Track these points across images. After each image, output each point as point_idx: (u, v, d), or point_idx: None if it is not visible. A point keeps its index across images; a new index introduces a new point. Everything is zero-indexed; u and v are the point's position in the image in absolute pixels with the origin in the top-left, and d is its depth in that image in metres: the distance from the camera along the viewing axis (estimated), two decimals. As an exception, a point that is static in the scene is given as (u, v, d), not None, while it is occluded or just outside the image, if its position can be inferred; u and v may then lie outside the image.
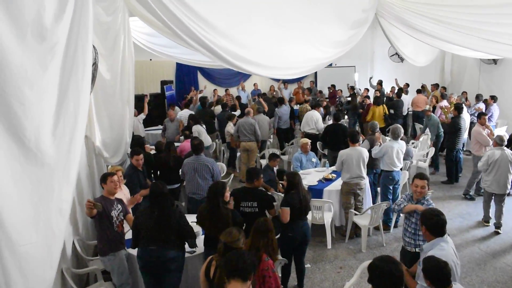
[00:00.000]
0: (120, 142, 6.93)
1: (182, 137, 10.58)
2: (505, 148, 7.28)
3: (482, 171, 7.51)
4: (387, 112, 11.98)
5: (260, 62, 5.39)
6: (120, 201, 5.10)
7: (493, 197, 7.50)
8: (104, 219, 4.80)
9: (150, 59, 16.58)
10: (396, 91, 14.02)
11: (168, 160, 7.34)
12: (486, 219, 7.70)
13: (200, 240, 5.13)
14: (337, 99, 15.34)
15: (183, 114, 12.01)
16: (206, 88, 17.15)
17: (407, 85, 14.74)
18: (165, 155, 7.47)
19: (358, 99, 14.12)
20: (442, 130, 10.50)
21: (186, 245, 5.25)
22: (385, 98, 13.39)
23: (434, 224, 3.86)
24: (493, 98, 11.24)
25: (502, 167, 7.18)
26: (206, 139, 9.66)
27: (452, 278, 3.30)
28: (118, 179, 5.47)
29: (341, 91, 15.79)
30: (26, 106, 2.73)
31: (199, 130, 9.71)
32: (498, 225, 7.41)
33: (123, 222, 5.05)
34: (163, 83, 16.38)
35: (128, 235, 5.26)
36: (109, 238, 4.84)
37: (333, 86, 16.63)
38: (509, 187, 7.30)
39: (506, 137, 7.88)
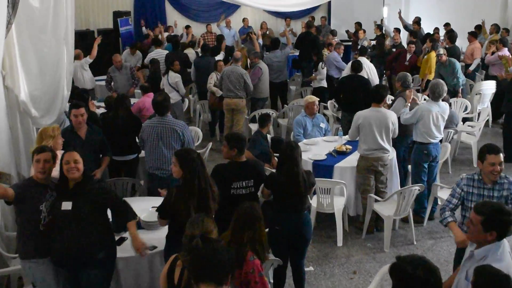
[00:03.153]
0: (54, 96, 6.85)
1: (139, 91, 10.55)
2: None
3: None
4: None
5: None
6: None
7: None
8: (28, 211, 4.65)
9: (99, -18, 16.38)
10: (445, 33, 13.78)
11: (117, 121, 7.28)
12: None
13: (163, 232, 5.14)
14: (358, 42, 15.21)
15: (157, 54, 12.09)
16: (177, 24, 16.90)
17: (448, 25, 14.68)
18: (113, 114, 7.42)
19: (387, 42, 14.00)
20: (462, 78, 10.84)
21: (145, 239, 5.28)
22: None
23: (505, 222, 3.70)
24: None
25: None
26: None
27: None
28: (55, 146, 5.42)
29: (364, 31, 15.67)
30: None
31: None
32: None
33: None
34: (117, 15, 16.20)
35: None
36: (33, 237, 4.67)
37: (359, 24, 16.46)
38: None
39: None
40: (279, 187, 5.30)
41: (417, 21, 15.46)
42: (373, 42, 14.75)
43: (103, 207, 4.69)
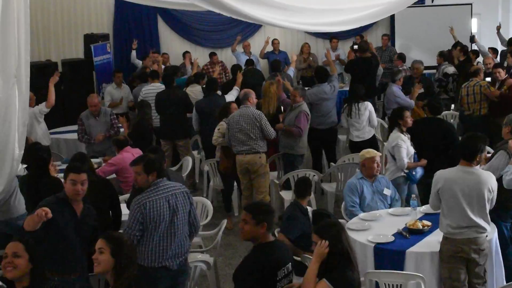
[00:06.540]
0: (1, 156, 6.94)
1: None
2: None
3: None
4: None
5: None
6: None
7: None
8: None
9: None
10: None
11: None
12: None
13: None
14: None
15: (148, 91, 12.27)
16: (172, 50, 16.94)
17: None
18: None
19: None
20: None
21: None
22: None
23: None
24: None
25: None
26: None
27: None
28: None
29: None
30: None
31: None
32: None
33: None
34: (90, 40, 16.43)
35: None
36: None
37: (461, 45, 16.04)
38: None
39: None
40: None
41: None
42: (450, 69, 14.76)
43: None
